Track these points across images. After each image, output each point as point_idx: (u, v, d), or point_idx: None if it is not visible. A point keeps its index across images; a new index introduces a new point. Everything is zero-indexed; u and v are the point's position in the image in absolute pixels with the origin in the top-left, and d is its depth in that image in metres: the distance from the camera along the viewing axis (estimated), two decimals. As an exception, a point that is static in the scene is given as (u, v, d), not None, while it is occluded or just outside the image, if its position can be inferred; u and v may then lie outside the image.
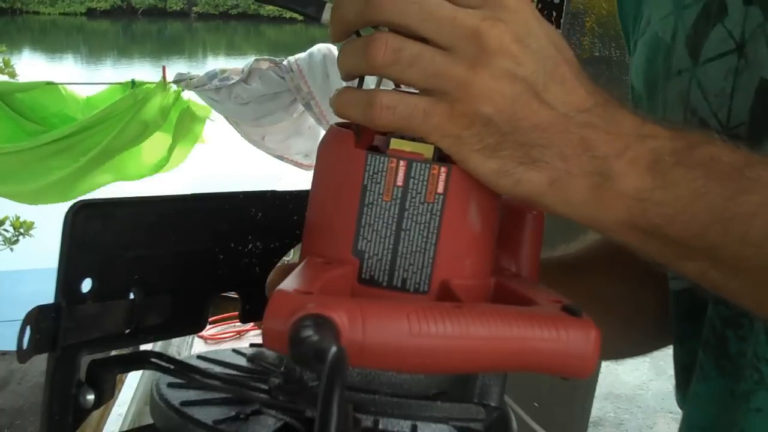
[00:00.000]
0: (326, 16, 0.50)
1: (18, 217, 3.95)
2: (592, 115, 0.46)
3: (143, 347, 0.62)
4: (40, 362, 0.42)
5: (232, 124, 3.56)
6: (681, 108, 0.66)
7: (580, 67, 0.47)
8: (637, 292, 0.77)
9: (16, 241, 4.02)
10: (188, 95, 3.44)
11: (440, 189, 0.43)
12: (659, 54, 0.70)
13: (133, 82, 3.38)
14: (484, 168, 0.44)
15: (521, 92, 0.44)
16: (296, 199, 0.54)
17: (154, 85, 3.37)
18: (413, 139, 0.44)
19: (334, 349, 0.32)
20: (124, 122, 3.30)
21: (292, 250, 0.56)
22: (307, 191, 0.48)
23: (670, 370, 0.77)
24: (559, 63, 0.46)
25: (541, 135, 0.45)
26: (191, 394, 0.45)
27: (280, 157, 3.65)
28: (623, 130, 0.47)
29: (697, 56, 0.64)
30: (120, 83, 3.42)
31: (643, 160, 0.46)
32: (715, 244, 0.47)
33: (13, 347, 0.41)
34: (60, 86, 3.39)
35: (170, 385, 0.46)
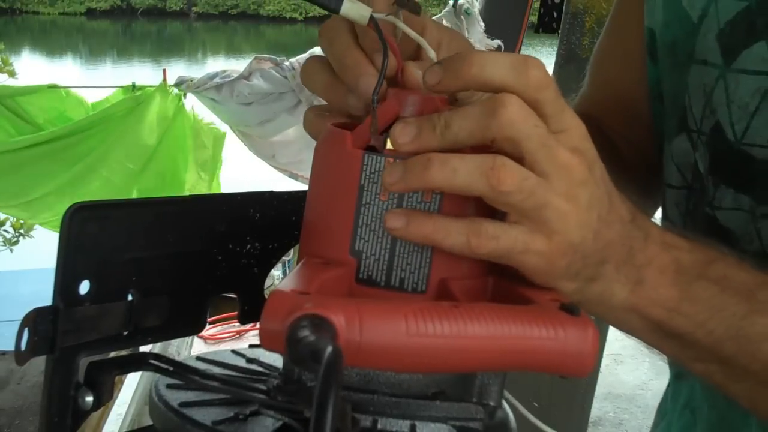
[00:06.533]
0: (346, 8, 0.46)
1: (18, 218, 3.95)
2: (634, 225, 0.47)
3: (142, 348, 0.62)
4: (39, 362, 0.42)
5: (240, 138, 3.54)
6: (702, 101, 0.65)
7: None
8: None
9: (16, 242, 4.03)
10: (190, 105, 3.43)
11: (437, 189, 0.43)
12: (680, 27, 0.67)
13: (133, 86, 3.37)
14: (565, 290, 0.45)
15: (602, 215, 0.45)
16: (294, 199, 0.54)
17: (155, 88, 3.36)
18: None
19: (330, 349, 0.32)
20: (123, 125, 3.29)
21: (291, 251, 0.56)
22: (304, 192, 0.48)
23: (670, 370, 0.77)
24: (607, 176, 0.46)
25: (610, 250, 0.46)
26: (190, 395, 0.45)
27: (294, 176, 3.61)
28: (653, 239, 0.48)
29: (731, 60, 0.62)
30: (121, 87, 3.41)
31: (669, 270, 0.48)
32: (728, 356, 0.49)
33: (12, 347, 0.41)
34: (62, 89, 3.38)
35: (169, 386, 0.46)
